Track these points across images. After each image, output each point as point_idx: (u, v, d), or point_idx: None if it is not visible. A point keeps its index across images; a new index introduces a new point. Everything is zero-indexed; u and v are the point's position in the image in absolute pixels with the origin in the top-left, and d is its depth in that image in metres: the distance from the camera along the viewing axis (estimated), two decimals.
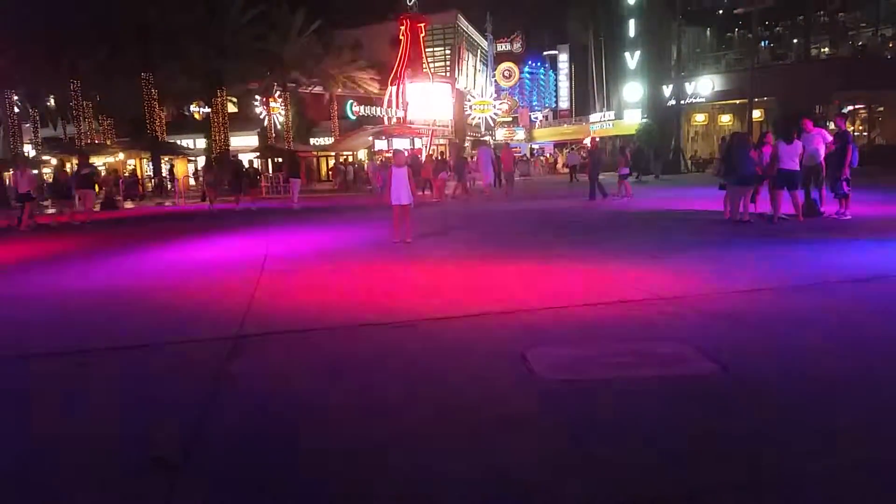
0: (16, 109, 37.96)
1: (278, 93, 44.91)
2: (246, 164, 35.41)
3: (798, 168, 11.43)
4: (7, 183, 18.95)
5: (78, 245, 12.61)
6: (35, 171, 20.21)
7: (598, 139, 23.00)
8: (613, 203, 17.31)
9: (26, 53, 31.85)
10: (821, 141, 12.13)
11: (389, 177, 10.68)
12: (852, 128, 30.54)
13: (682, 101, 38.40)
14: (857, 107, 34.85)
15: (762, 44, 38.96)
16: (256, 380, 4.09)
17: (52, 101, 42.52)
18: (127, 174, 36.76)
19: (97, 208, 18.68)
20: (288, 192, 23.28)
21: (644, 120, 40.79)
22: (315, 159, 47.30)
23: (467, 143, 51.87)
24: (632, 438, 3.04)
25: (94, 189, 19.13)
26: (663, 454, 2.88)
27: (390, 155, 23.98)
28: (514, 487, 2.66)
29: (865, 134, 34.86)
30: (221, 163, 28.22)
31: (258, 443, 3.15)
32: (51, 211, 18.05)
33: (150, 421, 3.47)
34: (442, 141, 52.36)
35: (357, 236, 12.14)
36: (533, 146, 62.27)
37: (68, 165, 23.23)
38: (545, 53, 71.44)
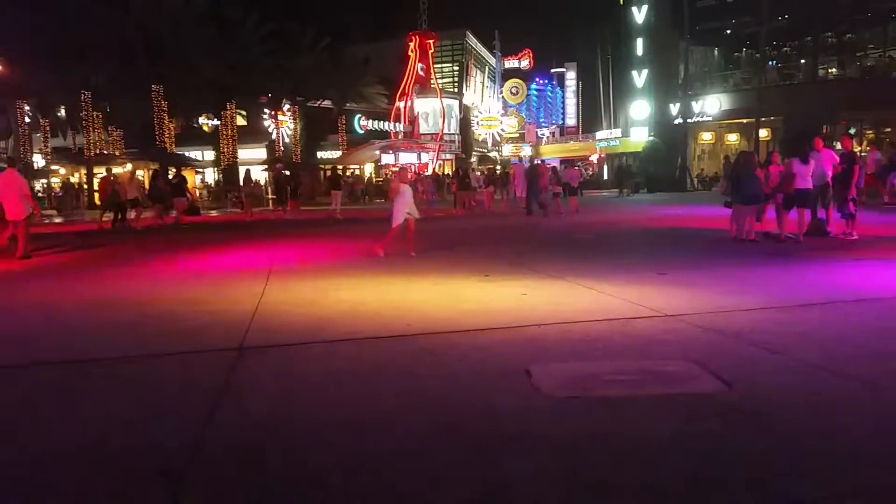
0: (27, 119, 38.26)
1: (287, 106, 45.18)
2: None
3: (812, 187, 11.44)
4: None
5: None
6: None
7: (540, 159, 25.48)
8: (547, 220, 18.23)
9: (40, 64, 32.15)
10: (829, 161, 12.15)
11: (397, 193, 10.86)
12: (859, 148, 30.51)
13: (689, 120, 38.48)
14: (863, 127, 34.85)
15: (770, 63, 39.07)
16: (259, 391, 4.07)
17: (63, 112, 42.84)
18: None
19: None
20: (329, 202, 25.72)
21: (651, 138, 40.87)
22: (322, 173, 47.46)
23: (473, 159, 52.02)
24: (636, 457, 3.01)
25: (185, 196, 22.14)
26: (666, 473, 2.85)
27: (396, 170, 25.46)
28: None
29: None
30: (230, 174, 28.77)
31: (260, 454, 3.13)
32: (147, 214, 20.58)
33: (153, 431, 3.46)
34: (448, 156, 52.56)
35: (365, 248, 12.13)
36: (537, 162, 62.36)
37: (168, 174, 26.15)
38: (553, 70, 71.86)
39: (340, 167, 46.29)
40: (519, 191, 25.03)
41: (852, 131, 31.31)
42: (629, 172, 36.84)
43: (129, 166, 40.06)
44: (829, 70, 38.32)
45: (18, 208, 11.27)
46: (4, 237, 12.20)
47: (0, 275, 10.15)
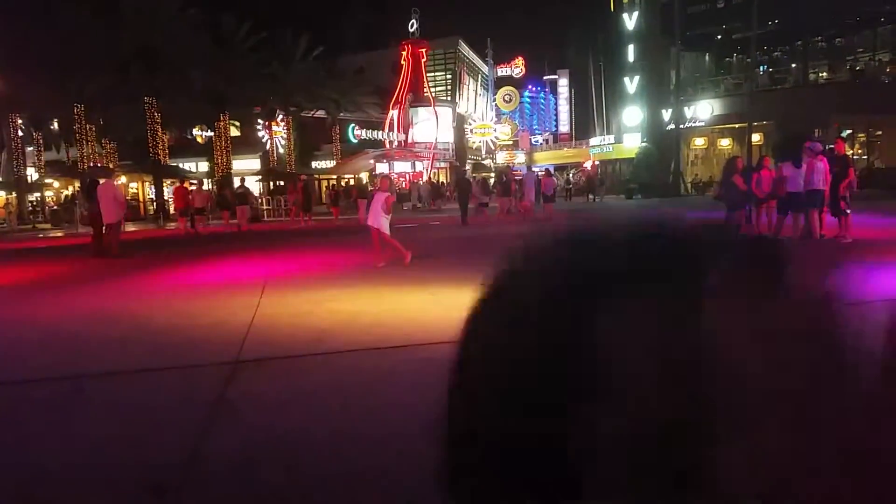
0: (20, 133, 38.19)
1: (280, 117, 45.22)
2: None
3: (804, 191, 11.52)
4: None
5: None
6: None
7: (465, 167, 26.66)
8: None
9: (33, 77, 32.11)
10: (822, 164, 12.18)
11: (371, 200, 11.19)
12: (851, 151, 30.67)
13: (682, 125, 38.65)
14: (855, 130, 35.08)
15: (761, 68, 39.31)
16: (254, 405, 4.06)
17: (56, 125, 42.78)
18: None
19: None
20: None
21: (644, 143, 41.02)
22: (317, 182, 47.47)
23: (468, 167, 52.12)
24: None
25: (248, 205, 23.71)
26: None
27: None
28: None
29: (865, 157, 35.04)
30: (224, 185, 29.04)
31: (256, 469, 3.12)
32: (216, 222, 23.07)
33: (148, 447, 3.44)
34: (443, 164, 52.66)
35: (364, 258, 12.11)
36: (535, 169, 62.55)
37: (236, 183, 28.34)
38: (545, 78, 72.12)
39: (333, 176, 46.36)
40: (530, 197, 25.20)
41: (844, 134, 31.48)
42: (599, 180, 39.51)
43: (123, 179, 40.08)
44: (820, 74, 38.60)
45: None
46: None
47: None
